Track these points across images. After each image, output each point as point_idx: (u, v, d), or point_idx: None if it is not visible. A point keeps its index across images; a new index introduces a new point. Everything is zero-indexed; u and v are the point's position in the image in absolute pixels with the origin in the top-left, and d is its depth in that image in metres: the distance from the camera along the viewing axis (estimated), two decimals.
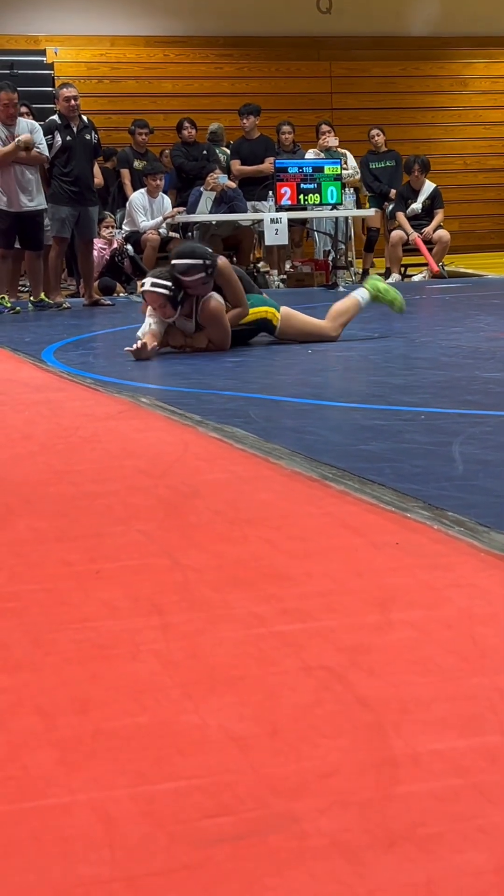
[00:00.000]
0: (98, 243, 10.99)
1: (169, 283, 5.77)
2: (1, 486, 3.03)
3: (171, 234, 11.21)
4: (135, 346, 5.68)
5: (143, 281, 5.96)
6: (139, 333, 5.90)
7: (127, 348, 5.70)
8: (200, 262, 5.77)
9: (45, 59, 15.37)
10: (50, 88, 14.17)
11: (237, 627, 1.86)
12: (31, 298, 9.87)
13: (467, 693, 1.59)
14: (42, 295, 9.72)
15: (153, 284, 5.79)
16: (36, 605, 2.02)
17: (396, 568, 2.17)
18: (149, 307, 5.95)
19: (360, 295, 6.26)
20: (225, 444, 3.42)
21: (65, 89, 9.86)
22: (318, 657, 1.73)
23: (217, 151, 12.24)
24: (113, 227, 11.39)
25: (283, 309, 6.19)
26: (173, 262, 5.84)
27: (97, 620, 1.92)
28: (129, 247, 10.91)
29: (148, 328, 5.92)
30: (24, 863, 1.20)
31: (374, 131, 12.63)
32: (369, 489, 2.76)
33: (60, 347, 6.49)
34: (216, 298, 5.89)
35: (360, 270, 12.28)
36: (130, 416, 4.05)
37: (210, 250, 6.02)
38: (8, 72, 14.14)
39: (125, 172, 11.76)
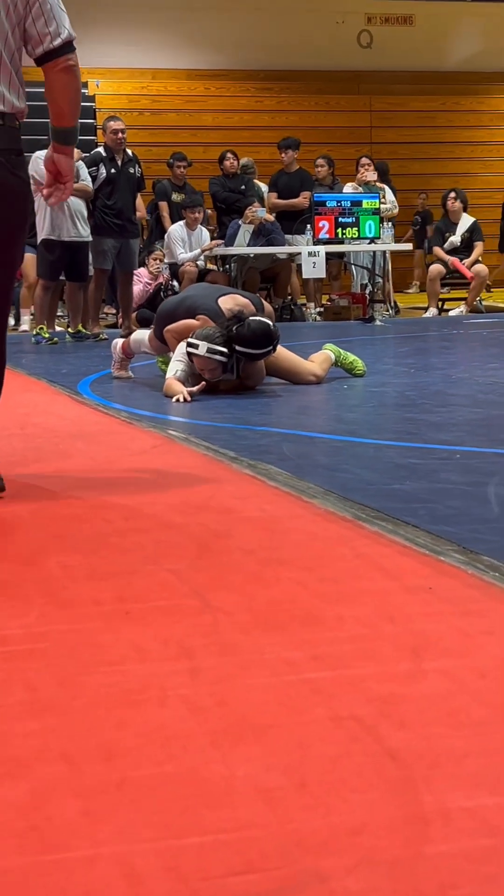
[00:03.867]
0: (144, 276, 11.01)
1: (225, 350, 5.43)
2: (34, 520, 3.02)
3: (210, 266, 11.23)
4: (181, 399, 5.34)
5: (195, 342, 5.46)
6: (170, 375, 5.63)
7: (176, 400, 5.36)
8: (271, 348, 5.54)
9: (86, 91, 15.53)
10: (91, 120, 14.32)
11: (267, 674, 1.84)
12: (69, 329, 9.92)
13: (500, 747, 1.56)
14: (80, 326, 9.77)
15: (209, 351, 5.41)
16: (64, 647, 2.00)
17: (429, 613, 2.15)
18: (178, 350, 5.65)
19: (330, 350, 6.23)
20: (258, 482, 3.41)
21: (112, 122, 9.92)
22: (348, 706, 1.70)
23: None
24: (161, 260, 11.27)
25: None
26: (250, 350, 5.47)
27: (125, 664, 1.90)
28: (176, 283, 10.90)
29: (175, 374, 5.59)
30: None
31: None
32: (403, 531, 2.74)
33: (97, 379, 6.51)
34: None
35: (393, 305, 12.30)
36: (164, 451, 4.05)
37: (274, 325, 5.66)
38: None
39: (163, 205, 11.82)
